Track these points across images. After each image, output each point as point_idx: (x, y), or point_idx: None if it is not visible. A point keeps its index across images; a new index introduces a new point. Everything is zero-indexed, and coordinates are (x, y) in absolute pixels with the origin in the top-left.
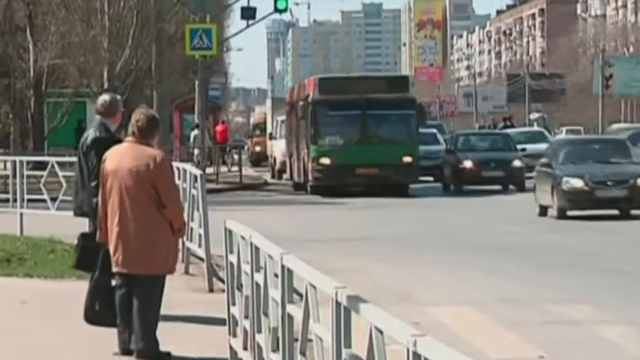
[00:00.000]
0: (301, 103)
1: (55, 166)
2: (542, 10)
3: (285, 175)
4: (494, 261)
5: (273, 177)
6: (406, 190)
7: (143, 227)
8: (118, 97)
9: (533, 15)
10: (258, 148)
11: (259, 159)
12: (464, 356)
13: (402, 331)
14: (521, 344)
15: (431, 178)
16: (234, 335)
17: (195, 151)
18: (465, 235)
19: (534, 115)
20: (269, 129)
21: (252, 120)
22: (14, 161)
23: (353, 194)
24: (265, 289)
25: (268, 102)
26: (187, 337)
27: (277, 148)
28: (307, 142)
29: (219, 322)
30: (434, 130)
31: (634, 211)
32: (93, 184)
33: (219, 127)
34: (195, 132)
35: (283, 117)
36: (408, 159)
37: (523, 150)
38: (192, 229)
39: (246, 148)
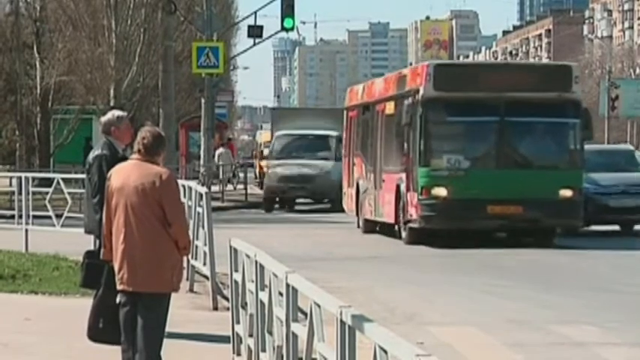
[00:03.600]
0: (395, 102)
1: (61, 182)
2: (548, 30)
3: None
4: (499, 281)
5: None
6: (552, 237)
7: (148, 245)
8: (120, 113)
9: (540, 36)
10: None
11: None
12: None
13: (406, 351)
14: None
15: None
16: (239, 354)
17: (221, 169)
18: (469, 255)
19: None
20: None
21: (258, 138)
22: (20, 178)
23: (476, 238)
24: (270, 308)
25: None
26: (192, 355)
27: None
28: (408, 162)
29: (224, 340)
30: (629, 147)
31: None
32: (95, 200)
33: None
34: (220, 150)
35: (284, 132)
36: (567, 192)
37: None
38: (197, 247)
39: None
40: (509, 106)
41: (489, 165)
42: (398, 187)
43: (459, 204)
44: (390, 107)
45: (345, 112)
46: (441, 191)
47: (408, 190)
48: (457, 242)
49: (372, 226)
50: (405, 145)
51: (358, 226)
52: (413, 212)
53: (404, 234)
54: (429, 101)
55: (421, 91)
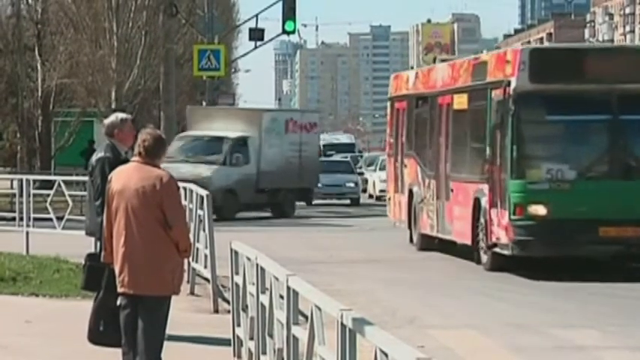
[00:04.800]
0: (469, 95)
1: (62, 185)
2: (550, 34)
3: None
4: (499, 285)
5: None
6: None
7: (149, 248)
8: (123, 116)
9: (541, 39)
10: None
11: None
12: None
13: (406, 355)
14: None
15: None
16: (239, 356)
17: None
18: (472, 258)
19: None
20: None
21: None
22: (21, 180)
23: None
24: (270, 311)
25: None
26: (192, 358)
27: None
28: (493, 171)
29: (224, 342)
30: None
31: None
32: (97, 202)
33: None
34: None
35: (185, 133)
36: None
37: None
38: (198, 249)
39: None
40: (625, 101)
41: (601, 176)
42: (476, 201)
43: (562, 225)
44: (460, 101)
45: (389, 103)
46: (539, 209)
47: (492, 206)
48: (554, 271)
49: (430, 243)
50: (488, 149)
51: (410, 241)
52: (501, 235)
53: (484, 258)
54: (524, 96)
55: (513, 84)
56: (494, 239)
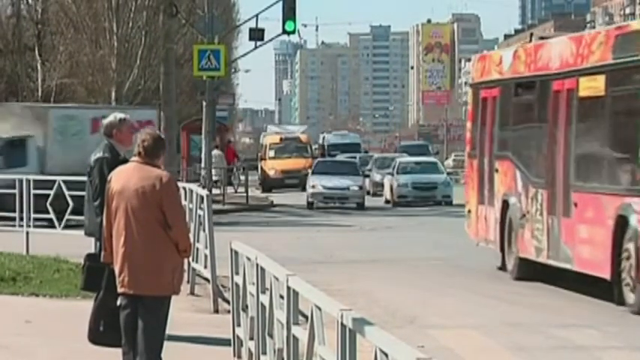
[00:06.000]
0: (607, 78)
1: (62, 185)
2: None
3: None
4: (500, 285)
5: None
6: None
7: (149, 248)
8: (122, 116)
9: (541, 39)
10: (272, 172)
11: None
12: None
13: (407, 355)
14: None
15: None
16: (239, 356)
17: (213, 171)
18: (472, 258)
19: None
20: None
21: (262, 140)
22: (21, 180)
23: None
24: (271, 311)
25: None
26: (192, 358)
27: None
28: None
29: (224, 343)
30: None
31: None
32: (96, 202)
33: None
34: (215, 152)
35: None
36: None
37: None
38: (198, 249)
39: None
40: None
41: None
42: (621, 219)
43: None
44: (591, 85)
45: (471, 91)
46: None
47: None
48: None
49: (531, 271)
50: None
51: (502, 268)
52: None
53: (630, 297)
54: None
55: None
56: None
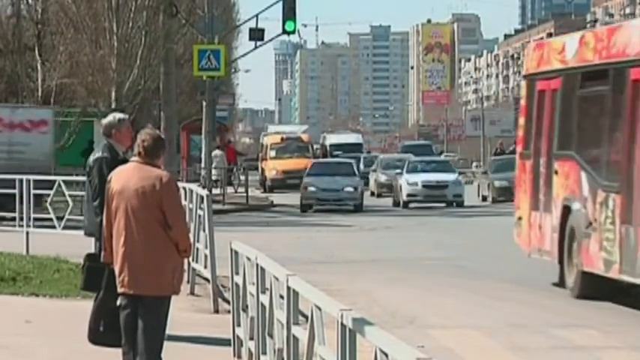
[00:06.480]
0: None
1: (62, 185)
2: (550, 34)
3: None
4: (500, 285)
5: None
6: None
7: (149, 248)
8: (120, 116)
9: (542, 39)
10: (273, 172)
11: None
12: None
13: (407, 355)
14: None
15: None
16: (239, 356)
17: (214, 171)
18: (472, 258)
19: None
20: None
21: (263, 140)
22: (21, 180)
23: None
24: (271, 311)
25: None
26: (192, 358)
27: None
28: None
29: (224, 343)
30: None
31: None
32: (95, 202)
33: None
34: (215, 152)
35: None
36: None
37: None
38: (198, 249)
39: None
40: None
41: None
42: None
43: None
44: None
45: (525, 83)
46: None
47: None
48: None
49: (598, 287)
50: None
51: (560, 283)
52: None
53: None
54: None
55: None
56: None
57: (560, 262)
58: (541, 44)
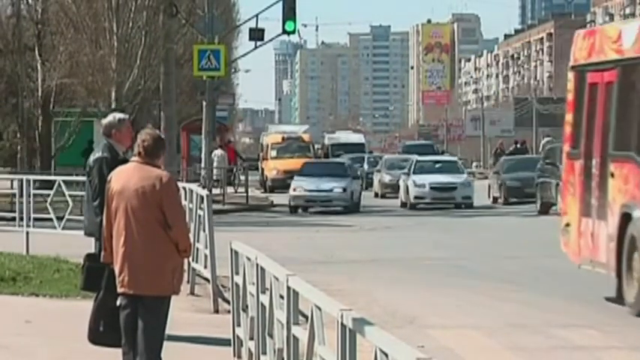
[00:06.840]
0: None
1: (62, 185)
2: (550, 34)
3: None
4: (500, 285)
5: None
6: None
7: (149, 248)
8: (120, 116)
9: (541, 39)
10: (274, 172)
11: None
12: None
13: (407, 355)
14: None
15: None
16: (239, 356)
17: (215, 171)
18: (472, 258)
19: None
20: None
21: (263, 140)
22: (21, 180)
23: None
24: (271, 311)
25: None
26: (192, 358)
27: None
28: None
29: (224, 343)
30: None
31: None
32: (95, 202)
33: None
34: (218, 151)
35: None
36: None
37: None
38: (198, 249)
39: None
40: None
41: None
42: None
43: None
44: None
45: (572, 75)
46: None
47: None
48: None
49: None
50: None
51: (618, 299)
52: None
53: None
54: None
55: None
56: None
57: (619, 275)
58: (591, 32)
